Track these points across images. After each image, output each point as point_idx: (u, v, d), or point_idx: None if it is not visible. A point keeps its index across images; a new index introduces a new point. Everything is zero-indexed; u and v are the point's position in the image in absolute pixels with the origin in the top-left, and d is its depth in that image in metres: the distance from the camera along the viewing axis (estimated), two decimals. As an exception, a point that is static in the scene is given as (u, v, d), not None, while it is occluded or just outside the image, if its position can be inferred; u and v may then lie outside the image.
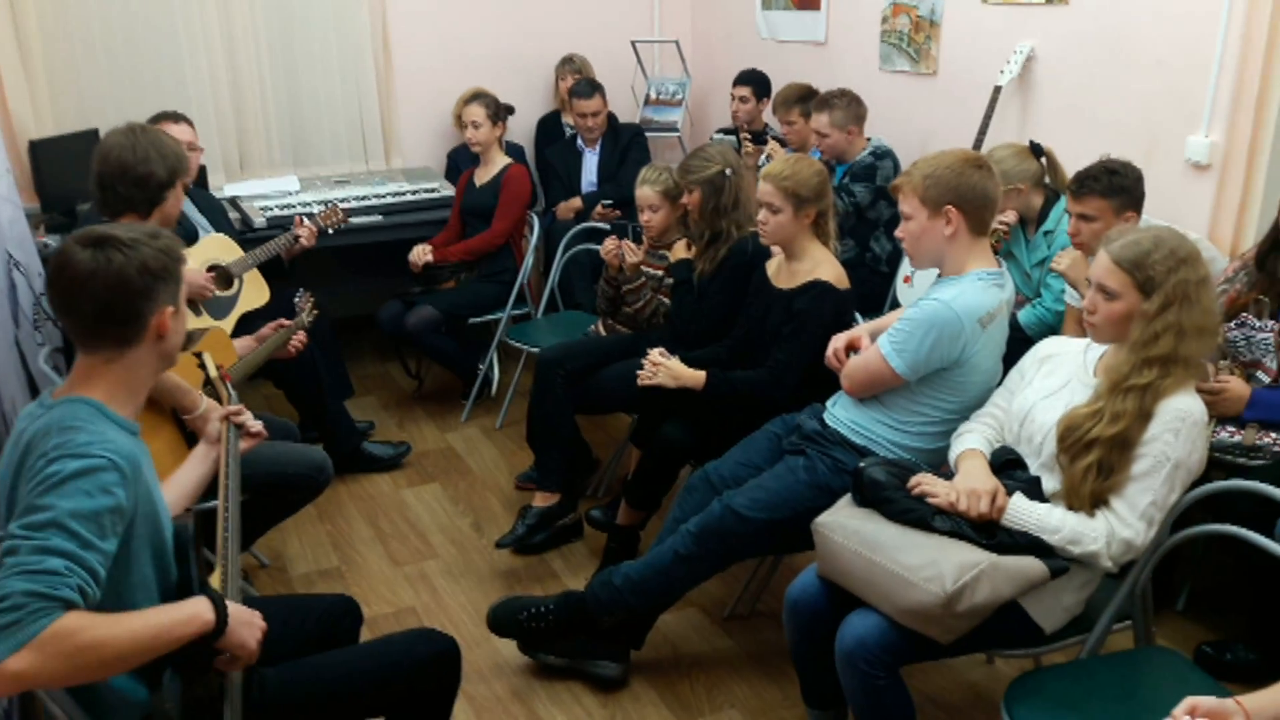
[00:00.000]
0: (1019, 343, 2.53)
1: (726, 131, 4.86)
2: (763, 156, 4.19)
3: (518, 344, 4.01)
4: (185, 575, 1.76)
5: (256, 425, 2.19)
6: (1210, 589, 2.92)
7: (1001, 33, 3.78)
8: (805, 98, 4.26)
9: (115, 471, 1.52)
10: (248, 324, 3.37)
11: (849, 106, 3.93)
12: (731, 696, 2.64)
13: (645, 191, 3.38)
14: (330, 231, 3.93)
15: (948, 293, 2.31)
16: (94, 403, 1.64)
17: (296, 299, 3.23)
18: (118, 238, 1.64)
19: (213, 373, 2.40)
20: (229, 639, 1.58)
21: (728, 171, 3.11)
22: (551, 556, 3.28)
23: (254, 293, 3.60)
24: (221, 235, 3.60)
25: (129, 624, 1.47)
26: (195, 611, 1.55)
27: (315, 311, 3.23)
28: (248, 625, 1.63)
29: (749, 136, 4.38)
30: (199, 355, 2.58)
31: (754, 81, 4.69)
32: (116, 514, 1.52)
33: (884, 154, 3.92)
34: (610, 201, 4.65)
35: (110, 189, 2.70)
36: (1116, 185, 2.74)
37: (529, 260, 4.32)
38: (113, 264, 1.61)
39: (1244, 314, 2.60)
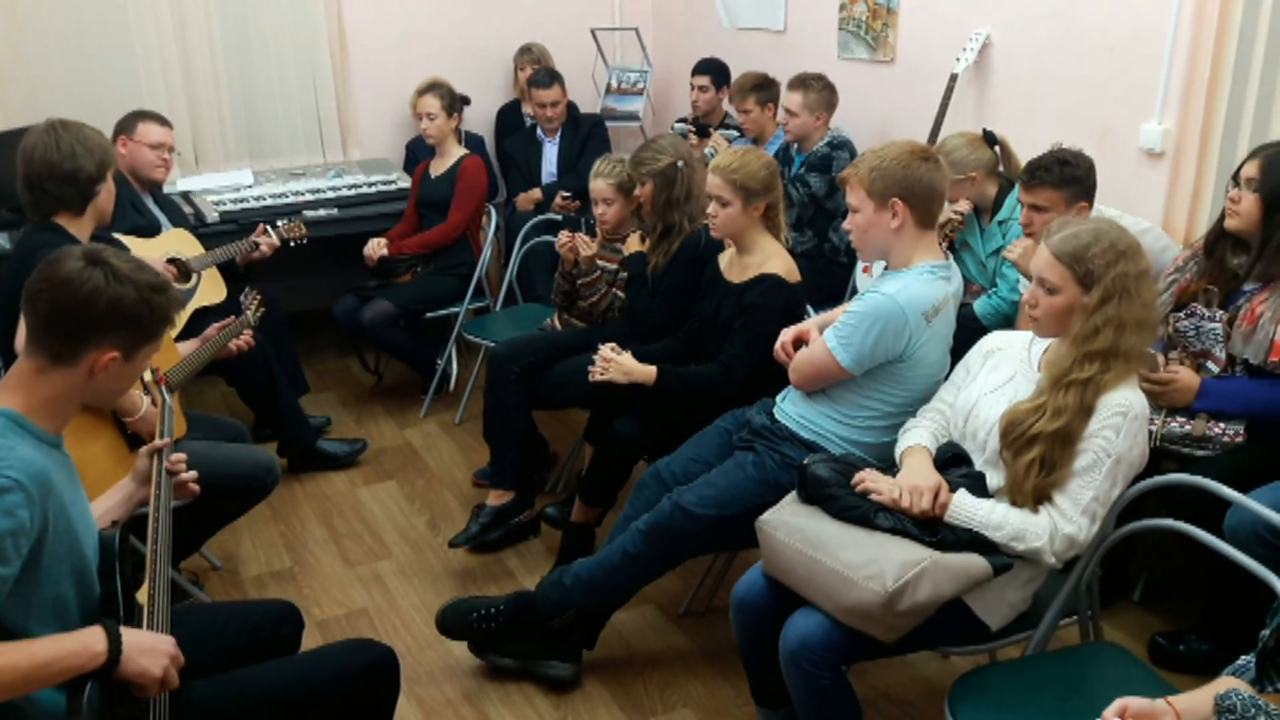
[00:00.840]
0: (975, 333, 2.51)
1: (686, 120, 4.81)
2: (707, 148, 4.16)
3: (475, 338, 3.97)
4: (109, 590, 1.72)
5: (189, 476, 2.01)
6: (1166, 579, 2.92)
7: (958, 19, 3.76)
8: (761, 86, 4.23)
9: (20, 492, 1.48)
10: (201, 319, 3.31)
11: (823, 92, 3.91)
12: (685, 695, 2.62)
13: (599, 184, 3.34)
14: (291, 245, 3.88)
15: (892, 286, 2.29)
16: (11, 414, 1.60)
17: (242, 297, 3.18)
18: (115, 267, 1.62)
19: (146, 375, 2.34)
20: (126, 669, 1.53)
21: (680, 164, 3.07)
22: (508, 555, 3.24)
23: (211, 289, 3.57)
24: (183, 230, 3.56)
25: (9, 656, 1.44)
26: (84, 643, 1.51)
27: (261, 310, 3.18)
28: (150, 654, 1.57)
29: (694, 130, 4.34)
30: None
31: (713, 70, 4.65)
32: (17, 536, 1.48)
33: (840, 144, 3.89)
34: (569, 193, 4.60)
35: (38, 189, 2.63)
36: (1068, 175, 2.72)
37: (486, 253, 4.28)
38: (88, 282, 1.59)
39: (1193, 304, 2.59)
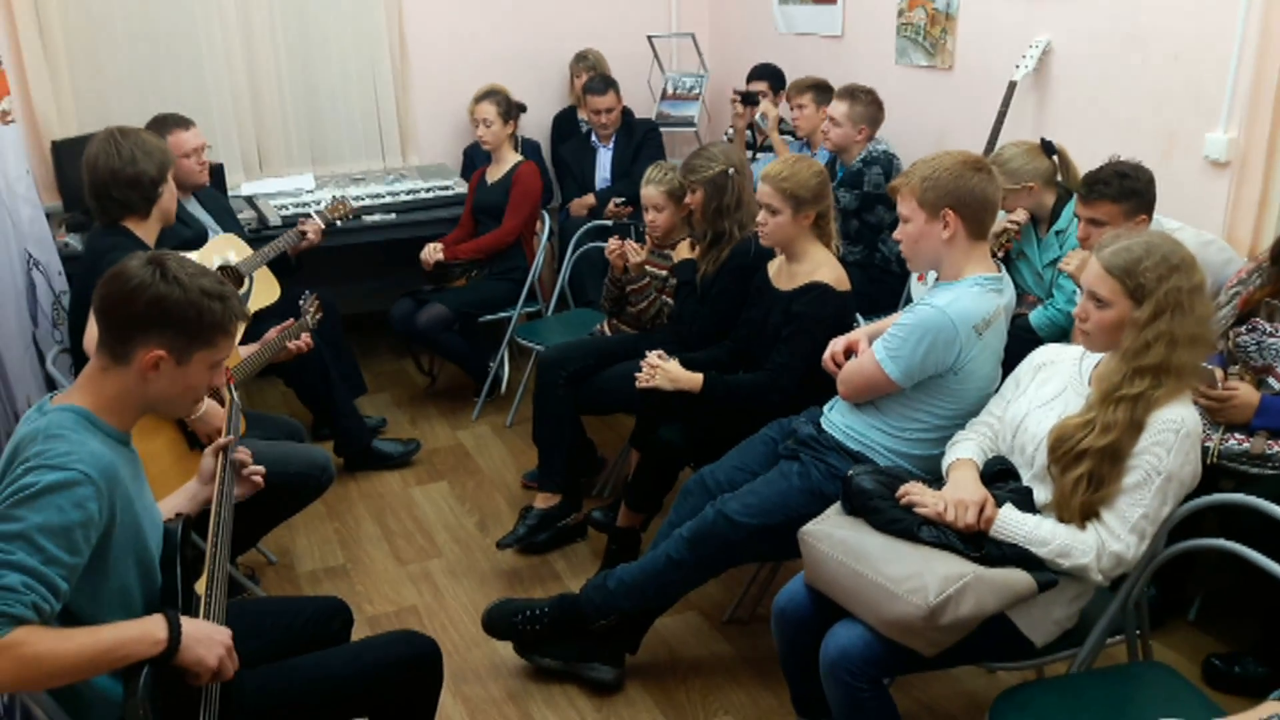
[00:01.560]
0: (1030, 344, 2.48)
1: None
2: (757, 114, 4.14)
3: (527, 342, 4.01)
4: (169, 582, 1.78)
5: (256, 470, 2.03)
6: (1223, 599, 2.85)
7: (1018, 26, 3.71)
8: (819, 87, 4.22)
9: (90, 485, 1.54)
10: (259, 321, 3.40)
11: (869, 106, 3.88)
12: (727, 703, 2.62)
13: (649, 191, 3.36)
14: (338, 224, 3.95)
15: (943, 298, 2.27)
16: (83, 411, 1.66)
17: (301, 300, 3.26)
18: (169, 268, 1.66)
19: None
20: (184, 657, 1.59)
21: (730, 171, 3.07)
22: (554, 557, 3.28)
23: (265, 290, 3.63)
24: (230, 235, 3.63)
25: (78, 641, 1.50)
26: (146, 630, 1.56)
27: (320, 313, 3.25)
28: (206, 643, 1.61)
29: (738, 98, 4.30)
30: None
31: (770, 75, 4.66)
32: (87, 527, 1.54)
33: (873, 160, 3.84)
34: (623, 199, 4.62)
35: (105, 196, 2.73)
36: (1128, 189, 2.68)
37: (540, 258, 4.32)
38: (136, 279, 1.64)
39: (1255, 318, 2.53)
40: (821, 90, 4.21)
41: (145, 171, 2.74)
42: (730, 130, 4.60)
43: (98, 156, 2.72)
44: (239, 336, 3.31)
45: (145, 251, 1.71)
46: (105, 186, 2.72)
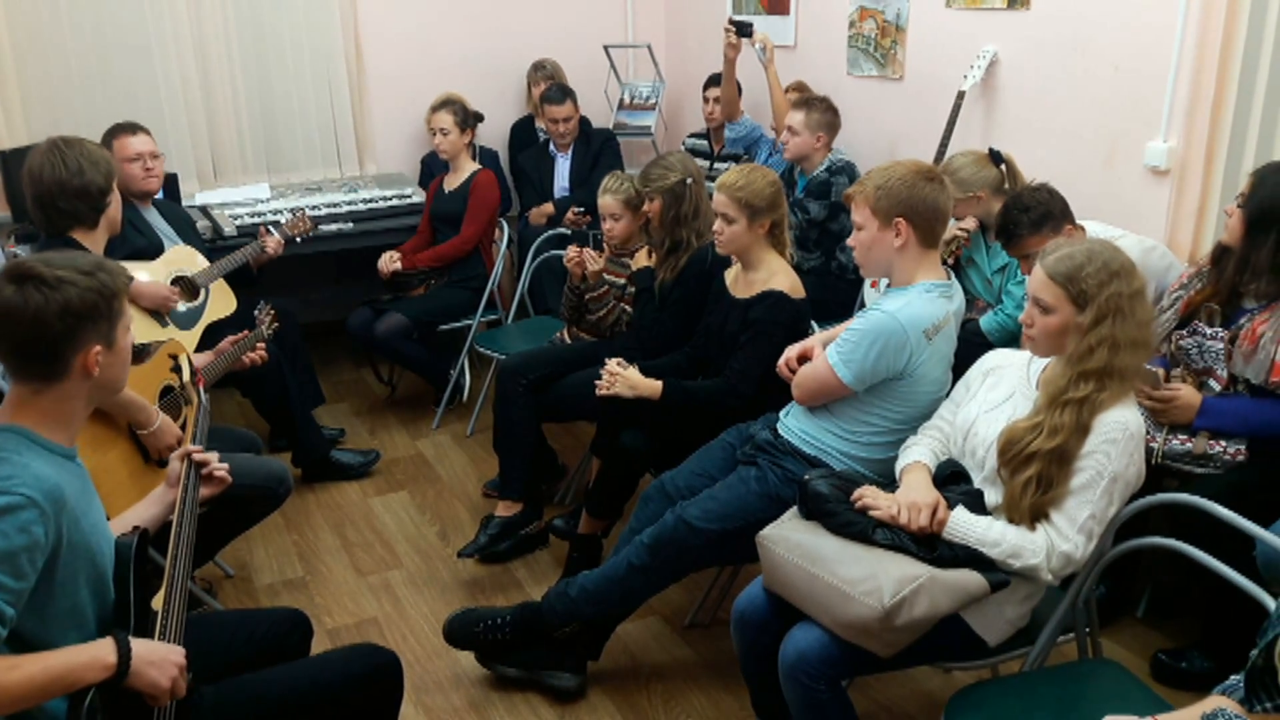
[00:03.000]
0: (981, 348, 2.53)
1: (698, 135, 4.85)
2: (756, 45, 4.16)
3: (487, 351, 4.01)
4: (122, 598, 1.76)
5: (220, 469, 2.03)
6: (1170, 596, 2.93)
7: (965, 37, 3.79)
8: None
9: (34, 509, 1.52)
10: (215, 333, 3.37)
11: (825, 114, 3.92)
12: (688, 706, 2.64)
13: (607, 200, 3.38)
14: (298, 240, 3.93)
15: (894, 304, 2.31)
16: (23, 431, 1.64)
17: (257, 311, 3.23)
18: (43, 275, 1.61)
19: (186, 376, 2.40)
20: (135, 680, 1.57)
21: (688, 180, 3.11)
22: (516, 565, 3.28)
23: (220, 303, 3.59)
24: (187, 247, 3.59)
25: (26, 669, 1.48)
26: (95, 656, 1.54)
27: (275, 324, 3.23)
28: (159, 665, 1.60)
29: (732, 29, 4.22)
30: (174, 358, 2.57)
31: (726, 85, 4.70)
32: (33, 551, 1.52)
33: (840, 169, 3.90)
34: (581, 208, 4.64)
35: (51, 208, 2.69)
36: (1036, 217, 2.81)
37: (499, 266, 4.33)
38: (29, 305, 1.59)
39: (1196, 321, 2.60)
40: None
41: (93, 181, 2.71)
42: (690, 139, 4.63)
43: (42, 167, 2.69)
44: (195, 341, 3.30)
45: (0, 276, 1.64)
46: (51, 198, 2.69)
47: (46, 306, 1.60)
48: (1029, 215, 2.81)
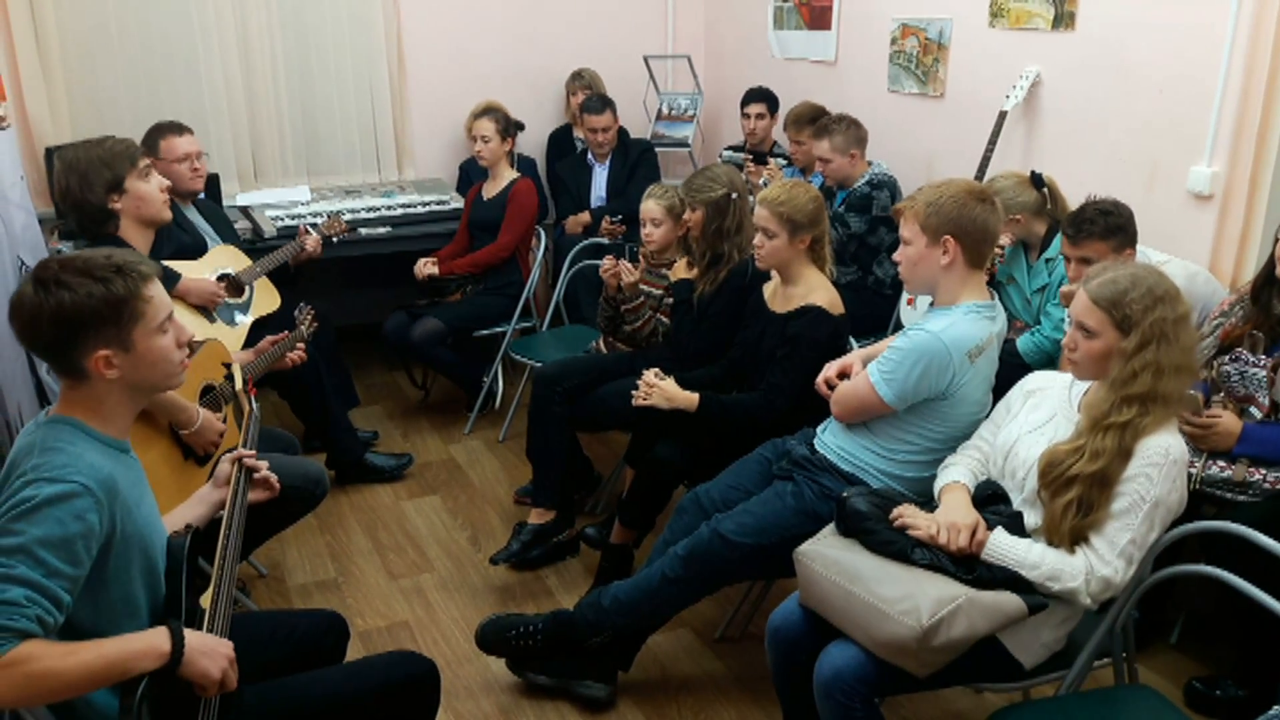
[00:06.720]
0: (1018, 369, 2.53)
1: (735, 149, 4.87)
2: (763, 178, 4.20)
3: (521, 358, 4.04)
4: (173, 592, 1.79)
5: (271, 476, 2.04)
6: (1204, 623, 2.91)
7: (1008, 57, 3.78)
8: (816, 118, 4.26)
9: (89, 497, 1.55)
10: (259, 330, 3.42)
11: (848, 130, 3.93)
12: (718, 719, 2.65)
13: (650, 205, 3.41)
14: (335, 240, 3.99)
15: (938, 324, 2.32)
16: (76, 423, 1.67)
17: (297, 312, 3.28)
18: (48, 278, 1.62)
19: (239, 385, 2.44)
20: (188, 669, 1.60)
21: (733, 195, 3.12)
22: (547, 573, 3.30)
23: (265, 299, 3.65)
24: (229, 246, 3.65)
25: (82, 655, 1.50)
26: (151, 644, 1.57)
27: (315, 325, 3.27)
28: (209, 656, 1.62)
29: (750, 157, 4.40)
30: (228, 366, 2.62)
31: (768, 98, 4.73)
32: (88, 539, 1.55)
33: (880, 183, 3.91)
34: (618, 217, 4.67)
35: (70, 214, 3.05)
36: (1113, 225, 2.76)
37: (535, 274, 4.36)
38: (31, 307, 1.61)
39: (1238, 348, 2.58)
40: (818, 121, 4.24)
41: (87, 200, 2.96)
42: (727, 151, 4.66)
43: (57, 180, 3.02)
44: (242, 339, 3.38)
45: (29, 274, 1.66)
46: (68, 208, 3.00)
47: (40, 311, 1.61)
48: (1106, 220, 2.76)
